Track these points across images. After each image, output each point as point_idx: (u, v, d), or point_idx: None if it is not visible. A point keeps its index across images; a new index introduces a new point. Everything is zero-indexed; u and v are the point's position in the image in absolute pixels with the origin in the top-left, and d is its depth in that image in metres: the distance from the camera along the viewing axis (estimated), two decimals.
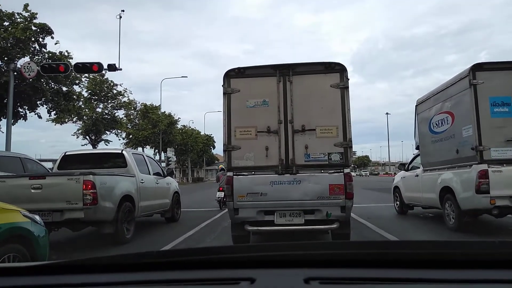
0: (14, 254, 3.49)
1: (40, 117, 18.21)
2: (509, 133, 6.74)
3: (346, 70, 5.73)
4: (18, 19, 16.30)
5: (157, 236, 8.03)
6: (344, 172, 5.55)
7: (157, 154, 41.64)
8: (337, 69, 5.73)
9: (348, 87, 5.70)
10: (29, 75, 14.87)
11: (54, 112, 19.16)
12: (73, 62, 16.51)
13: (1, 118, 16.65)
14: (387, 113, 69.35)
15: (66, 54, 17.95)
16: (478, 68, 6.93)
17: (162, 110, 42.48)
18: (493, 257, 1.22)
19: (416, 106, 9.63)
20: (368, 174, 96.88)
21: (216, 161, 73.53)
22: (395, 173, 28.91)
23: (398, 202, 10.77)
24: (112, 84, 31.92)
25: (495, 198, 6.58)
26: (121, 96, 33.23)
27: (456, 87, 7.46)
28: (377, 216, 9.95)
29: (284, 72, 5.78)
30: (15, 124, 16.83)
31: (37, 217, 4.05)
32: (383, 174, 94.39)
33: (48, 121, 25.53)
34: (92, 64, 15.14)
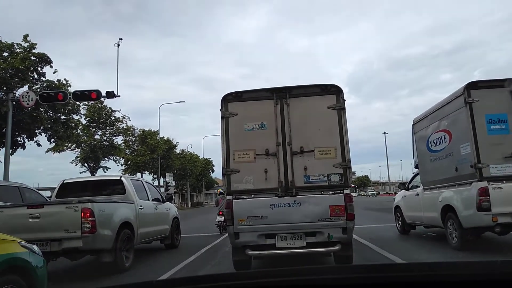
0: (12, 286, 3.43)
1: (39, 145, 18.23)
2: (507, 150, 6.75)
3: (342, 92, 5.79)
4: (18, 50, 16.54)
5: (156, 263, 7.91)
6: (344, 193, 5.53)
7: (156, 179, 41.53)
8: (333, 90, 5.79)
9: (344, 108, 5.75)
10: (27, 104, 14.96)
11: (53, 139, 19.19)
12: (71, 90, 16.66)
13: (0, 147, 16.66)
14: (384, 133, 69.75)
15: (64, 82, 18.13)
16: (472, 86, 7.01)
17: (161, 135, 42.63)
18: (495, 277, 1.21)
19: (413, 125, 9.69)
20: (375, 194, 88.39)
21: (215, 185, 73.25)
22: (395, 193, 28.74)
23: (399, 222, 10.67)
24: (110, 110, 32.13)
25: (497, 215, 6.53)
26: (119, 123, 33.42)
27: (451, 106, 7.53)
28: (379, 237, 9.84)
29: (281, 95, 5.83)
30: (13, 154, 16.82)
31: (35, 247, 4.00)
32: (384, 193, 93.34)
33: (48, 151, 25.53)
34: (90, 91, 15.25)
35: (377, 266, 2.22)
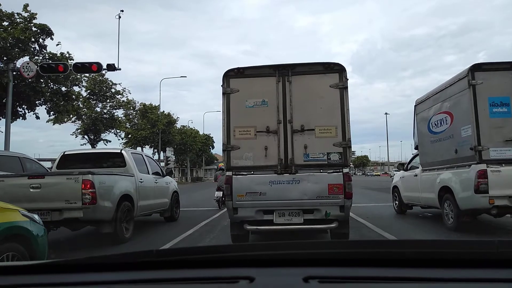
0: (13, 253, 3.50)
1: (38, 117, 18.10)
2: (508, 133, 6.75)
3: (345, 70, 5.73)
4: (18, 19, 16.26)
5: (156, 235, 8.03)
6: (343, 171, 5.56)
7: (156, 153, 41.67)
8: (336, 69, 5.73)
9: (347, 87, 5.70)
10: (28, 75, 14.83)
11: (53, 112, 19.09)
12: (73, 63, 16.45)
13: (0, 118, 16.59)
14: (386, 113, 69.34)
15: (67, 55, 17.88)
16: (477, 68, 6.94)
17: (161, 110, 42.50)
18: (492, 256, 1.23)
19: (415, 106, 9.64)
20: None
21: (215, 161, 73.55)
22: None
23: (397, 202, 10.78)
24: (111, 83, 31.90)
25: (494, 198, 6.59)
26: (119, 96, 33.23)
27: (455, 87, 7.47)
28: (376, 216, 9.95)
29: (284, 72, 5.78)
30: (14, 121, 16.75)
31: (36, 216, 4.05)
32: (382, 174, 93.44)
33: (48, 121, 25.44)
34: (91, 64, 15.09)
35: (373, 242, 2.25)
